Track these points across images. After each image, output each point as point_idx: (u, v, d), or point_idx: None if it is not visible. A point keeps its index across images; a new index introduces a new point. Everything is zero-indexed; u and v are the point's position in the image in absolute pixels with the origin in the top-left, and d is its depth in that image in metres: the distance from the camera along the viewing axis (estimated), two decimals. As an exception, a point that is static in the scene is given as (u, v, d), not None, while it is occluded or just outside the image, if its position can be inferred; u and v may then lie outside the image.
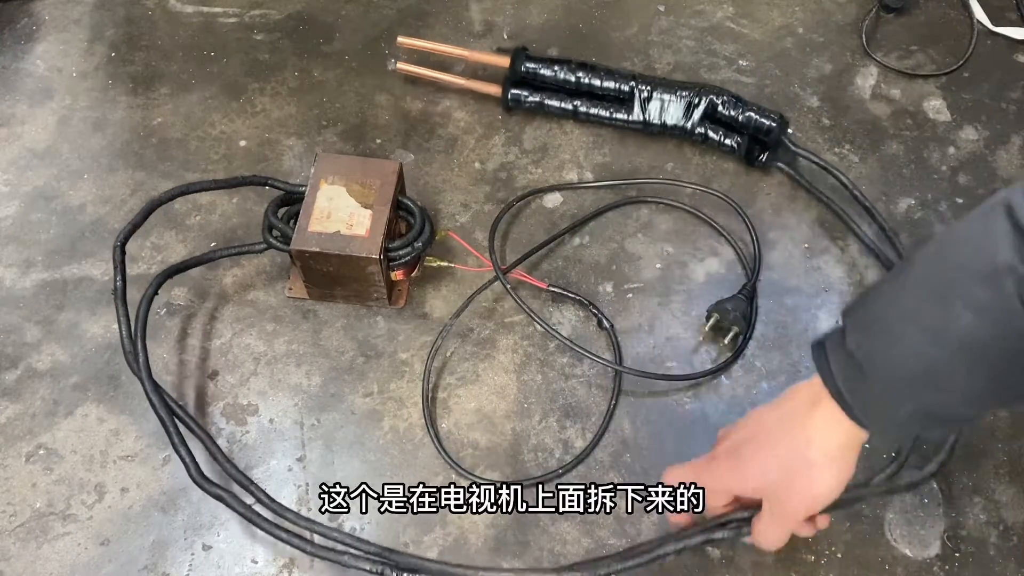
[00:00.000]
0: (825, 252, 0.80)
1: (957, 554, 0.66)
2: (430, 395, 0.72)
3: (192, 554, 0.66)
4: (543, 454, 0.70)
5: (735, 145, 0.84)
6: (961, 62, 0.93)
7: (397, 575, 0.61)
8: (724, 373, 0.74)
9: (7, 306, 0.76)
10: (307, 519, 0.63)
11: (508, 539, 0.67)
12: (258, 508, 0.64)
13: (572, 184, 0.84)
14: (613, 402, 0.72)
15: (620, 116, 0.86)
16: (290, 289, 0.78)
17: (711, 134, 0.84)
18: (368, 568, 0.61)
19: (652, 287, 0.78)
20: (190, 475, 0.63)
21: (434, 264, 0.78)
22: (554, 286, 0.77)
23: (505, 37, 0.94)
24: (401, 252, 0.73)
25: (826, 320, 0.77)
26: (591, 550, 0.66)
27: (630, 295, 0.78)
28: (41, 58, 0.92)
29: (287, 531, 0.62)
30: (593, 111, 0.86)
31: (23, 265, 0.79)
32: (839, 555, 0.66)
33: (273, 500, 0.64)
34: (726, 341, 0.74)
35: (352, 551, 0.62)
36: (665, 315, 0.77)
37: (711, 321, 0.75)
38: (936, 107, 0.89)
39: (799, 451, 0.54)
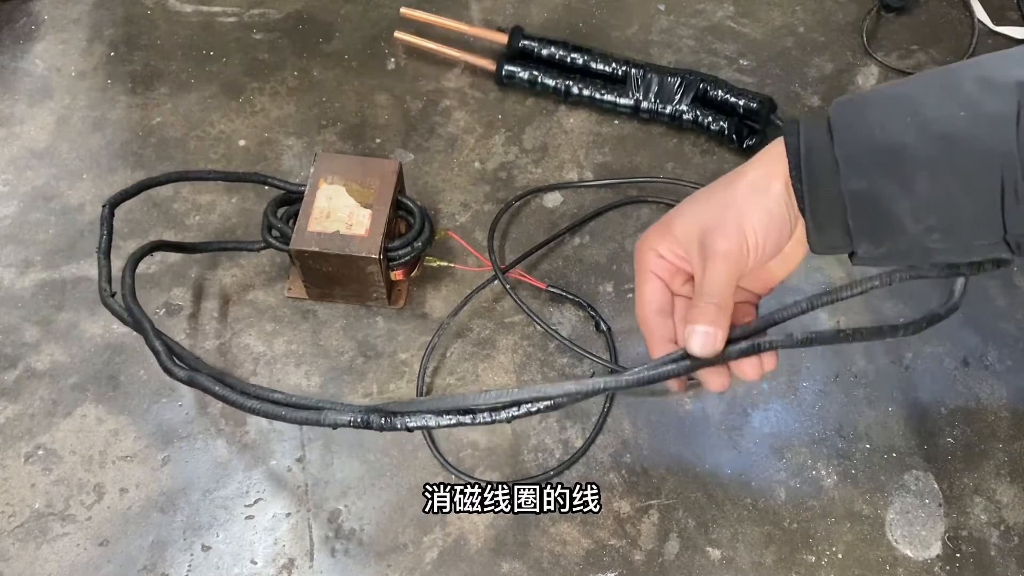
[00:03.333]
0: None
1: (958, 555, 0.66)
2: (426, 395, 0.72)
3: (191, 555, 0.66)
4: (543, 454, 0.70)
5: (723, 128, 0.84)
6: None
7: (386, 419, 0.54)
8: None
9: (6, 306, 0.76)
10: (280, 391, 0.58)
11: (508, 540, 0.66)
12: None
13: (572, 184, 0.84)
14: (607, 403, 0.72)
15: (611, 98, 0.87)
16: (289, 289, 0.77)
17: (700, 117, 0.85)
18: (350, 419, 0.55)
19: (652, 287, 0.78)
20: (161, 363, 0.61)
21: (434, 264, 0.78)
22: (553, 287, 0.77)
23: (505, 36, 0.94)
24: (401, 252, 0.73)
25: (826, 320, 0.77)
26: (591, 551, 0.66)
27: (630, 295, 0.78)
28: (40, 57, 0.92)
29: (262, 401, 0.58)
30: (586, 92, 0.87)
31: (22, 265, 0.79)
32: (839, 555, 0.66)
33: (242, 381, 0.60)
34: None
35: (333, 407, 0.56)
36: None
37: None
38: (937, 106, 0.89)
39: (731, 195, 0.51)
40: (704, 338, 0.50)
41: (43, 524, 0.66)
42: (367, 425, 0.54)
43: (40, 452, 0.69)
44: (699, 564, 0.66)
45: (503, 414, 0.52)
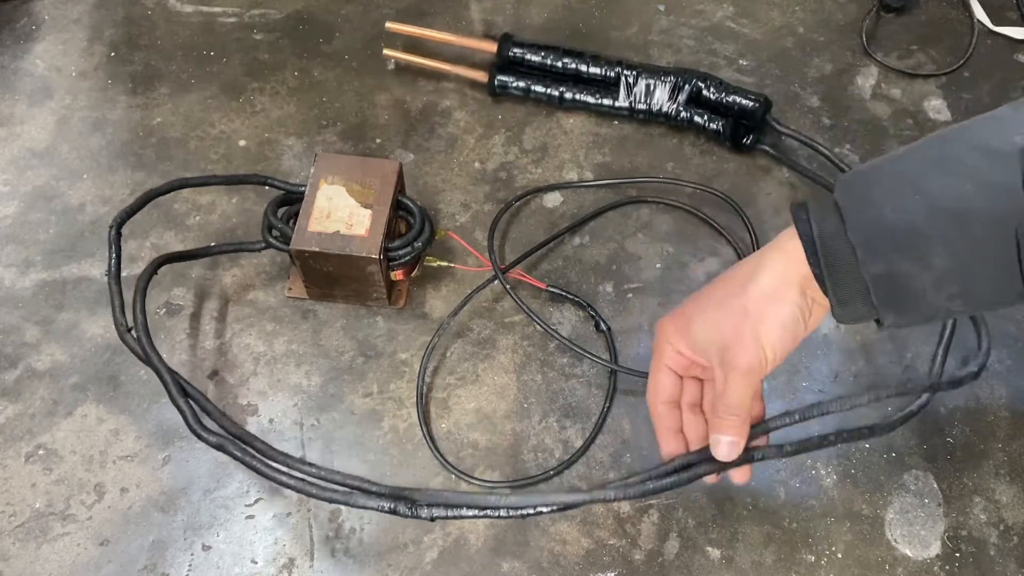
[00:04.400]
0: (825, 252, 0.80)
1: (957, 554, 0.66)
2: (426, 394, 0.72)
3: (192, 554, 0.66)
4: (543, 454, 0.70)
5: (720, 128, 0.84)
6: (961, 62, 0.93)
7: (413, 509, 0.58)
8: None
9: (6, 306, 0.76)
10: (310, 463, 0.60)
11: (508, 539, 0.66)
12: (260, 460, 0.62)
13: (572, 184, 0.84)
14: (608, 403, 0.72)
15: (606, 102, 0.86)
16: (290, 289, 0.77)
17: (696, 118, 0.85)
18: (378, 505, 0.58)
19: (652, 287, 0.78)
20: (188, 426, 0.62)
21: (434, 264, 0.78)
22: (553, 286, 0.77)
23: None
24: (401, 252, 0.73)
25: (826, 320, 0.77)
26: (591, 550, 0.66)
27: (630, 295, 0.78)
28: (40, 58, 0.92)
29: (290, 476, 0.60)
30: (580, 97, 0.87)
31: (22, 265, 0.79)
32: (839, 555, 0.66)
33: (272, 448, 0.61)
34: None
35: (362, 488, 0.59)
36: (665, 315, 0.77)
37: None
38: (936, 107, 0.89)
39: (747, 304, 0.53)
40: (730, 447, 0.56)
41: (43, 524, 0.67)
42: (394, 512, 0.58)
43: (41, 452, 0.70)
44: (699, 564, 0.66)
45: (522, 511, 0.57)
